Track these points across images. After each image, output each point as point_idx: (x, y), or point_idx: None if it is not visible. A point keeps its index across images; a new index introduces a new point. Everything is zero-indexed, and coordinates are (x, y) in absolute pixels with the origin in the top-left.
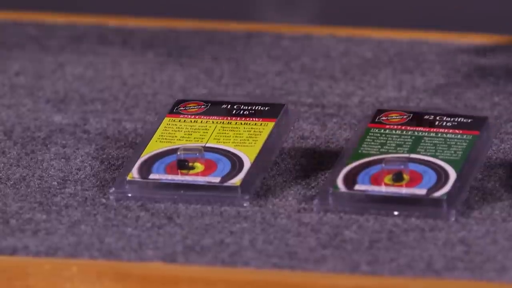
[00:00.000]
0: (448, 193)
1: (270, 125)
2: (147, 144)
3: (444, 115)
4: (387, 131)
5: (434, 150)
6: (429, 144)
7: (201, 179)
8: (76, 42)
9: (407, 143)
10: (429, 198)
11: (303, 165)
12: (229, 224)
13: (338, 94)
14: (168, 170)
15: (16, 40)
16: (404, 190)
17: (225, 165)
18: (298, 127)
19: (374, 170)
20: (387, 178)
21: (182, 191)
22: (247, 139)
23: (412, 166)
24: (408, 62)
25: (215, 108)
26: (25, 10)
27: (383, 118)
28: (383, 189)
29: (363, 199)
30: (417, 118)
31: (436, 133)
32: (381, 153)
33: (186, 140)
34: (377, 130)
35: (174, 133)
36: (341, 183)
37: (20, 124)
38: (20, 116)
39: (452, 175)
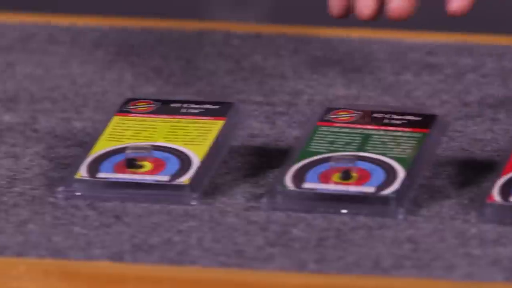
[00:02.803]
0: (397, 191)
1: (219, 123)
2: (96, 143)
3: (393, 113)
4: (336, 129)
5: (383, 148)
6: (378, 142)
7: (150, 178)
8: (26, 41)
9: (355, 141)
10: (377, 196)
11: (252, 163)
12: (177, 223)
13: (288, 93)
14: (117, 169)
15: None
16: (352, 188)
17: (174, 164)
18: (247, 126)
19: (322, 168)
20: (336, 176)
21: (130, 190)
22: (196, 138)
23: (361, 164)
24: (358, 61)
25: (165, 107)
26: None
27: (332, 116)
28: (331, 187)
29: (311, 197)
30: (366, 116)
31: (385, 131)
32: (330, 151)
33: (135, 139)
34: (326, 128)
35: (123, 132)
36: (289, 181)
37: None
38: None
39: (401, 173)
